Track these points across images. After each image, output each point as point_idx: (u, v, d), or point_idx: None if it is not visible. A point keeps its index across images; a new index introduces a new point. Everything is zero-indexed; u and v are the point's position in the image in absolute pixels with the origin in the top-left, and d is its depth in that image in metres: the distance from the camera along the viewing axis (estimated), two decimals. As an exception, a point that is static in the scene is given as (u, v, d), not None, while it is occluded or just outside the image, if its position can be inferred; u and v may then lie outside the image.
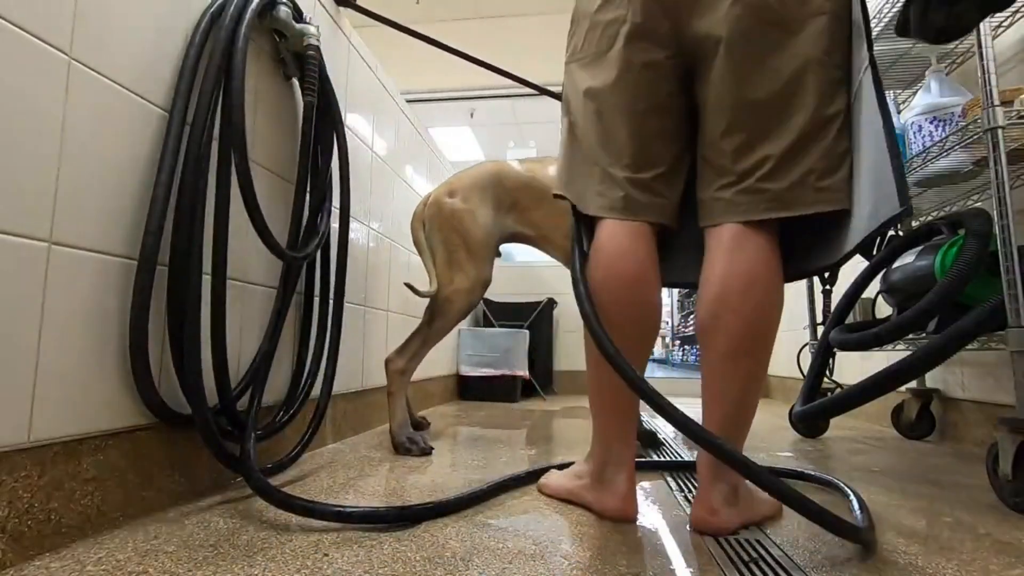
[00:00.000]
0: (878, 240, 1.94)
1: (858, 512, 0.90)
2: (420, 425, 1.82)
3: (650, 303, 0.92)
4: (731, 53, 0.85)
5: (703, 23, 0.87)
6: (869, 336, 1.53)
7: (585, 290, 0.88)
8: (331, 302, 1.35)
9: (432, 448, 1.42)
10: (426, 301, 1.57)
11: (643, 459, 1.30)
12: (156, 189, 0.84)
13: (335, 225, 1.39)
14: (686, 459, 1.34)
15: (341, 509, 0.84)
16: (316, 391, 1.30)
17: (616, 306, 0.89)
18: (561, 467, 1.10)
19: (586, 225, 0.99)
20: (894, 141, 0.74)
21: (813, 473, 1.18)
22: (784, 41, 0.83)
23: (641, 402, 0.87)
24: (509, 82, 1.97)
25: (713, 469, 0.84)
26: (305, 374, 1.27)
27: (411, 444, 1.40)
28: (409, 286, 1.54)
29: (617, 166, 0.94)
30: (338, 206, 1.39)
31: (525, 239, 1.70)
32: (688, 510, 0.95)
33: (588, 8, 0.98)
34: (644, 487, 1.11)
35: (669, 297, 11.27)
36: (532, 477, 1.12)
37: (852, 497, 0.98)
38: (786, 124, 0.83)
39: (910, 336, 1.57)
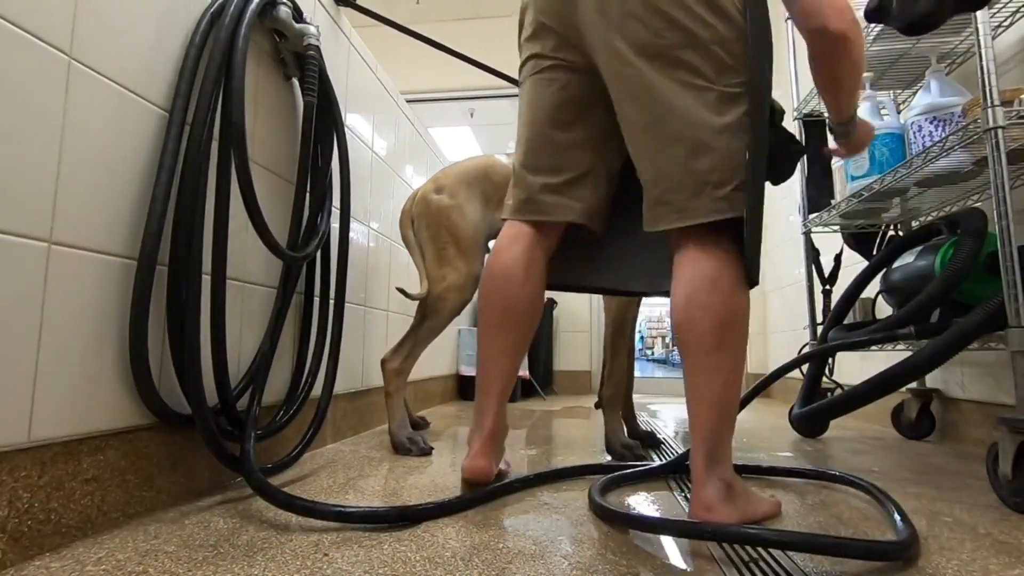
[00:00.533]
0: (878, 240, 1.95)
1: (898, 521, 0.84)
2: (419, 425, 1.82)
3: (517, 296, 1.01)
4: (615, 84, 0.93)
5: (595, 57, 0.96)
6: (867, 336, 1.53)
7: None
8: (332, 302, 1.35)
9: (432, 448, 1.42)
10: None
11: (643, 467, 1.29)
12: (156, 189, 0.84)
13: (335, 225, 1.39)
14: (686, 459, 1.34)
15: (342, 509, 0.84)
16: (316, 391, 1.30)
17: (484, 298, 1.04)
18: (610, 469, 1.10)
19: None
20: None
21: (855, 478, 1.12)
22: (663, 71, 0.89)
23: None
24: (509, 82, 1.97)
25: (707, 466, 0.85)
26: (305, 374, 1.27)
27: (411, 444, 1.40)
28: (401, 290, 1.53)
29: (532, 171, 1.05)
30: (338, 206, 1.39)
31: None
32: (688, 511, 0.95)
33: (520, 39, 1.11)
34: (645, 488, 1.11)
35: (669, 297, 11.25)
36: (540, 480, 1.12)
37: (888, 503, 0.94)
38: (676, 141, 0.88)
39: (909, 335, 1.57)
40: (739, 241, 0.87)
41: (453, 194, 1.55)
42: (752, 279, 0.88)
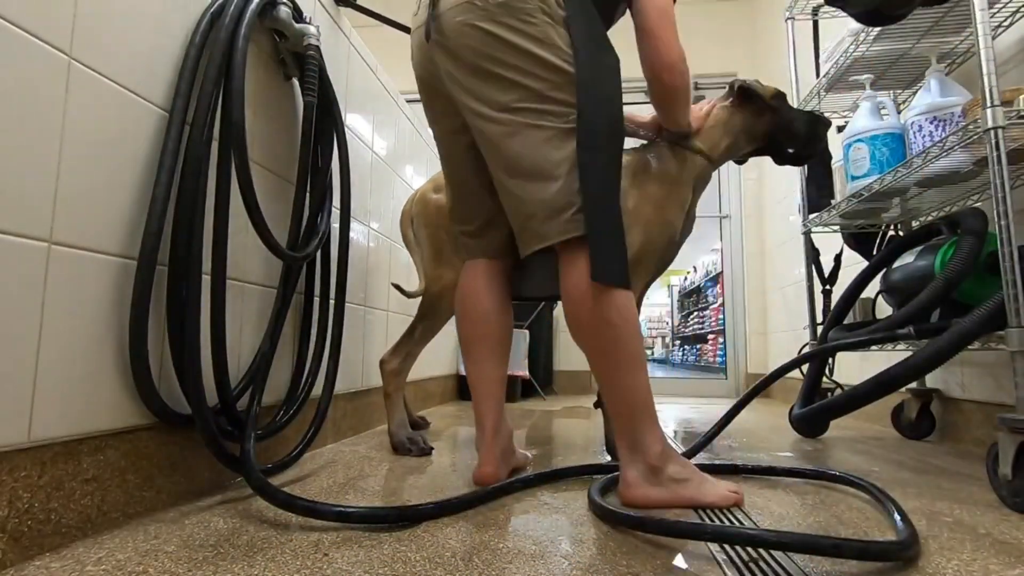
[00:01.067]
0: (878, 240, 1.95)
1: (898, 521, 0.85)
2: (419, 425, 1.81)
3: (479, 310, 1.18)
4: (478, 136, 1.08)
5: (463, 114, 1.09)
6: (867, 335, 1.53)
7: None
8: (332, 302, 1.35)
9: (432, 448, 1.42)
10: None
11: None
12: (156, 189, 0.84)
13: (335, 225, 1.39)
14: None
15: (342, 509, 0.84)
16: (316, 391, 1.30)
17: (457, 320, 1.23)
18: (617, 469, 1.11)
19: None
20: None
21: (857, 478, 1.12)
22: (512, 120, 1.02)
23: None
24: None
25: (629, 452, 0.99)
26: (305, 374, 1.27)
27: (411, 444, 1.39)
28: (397, 287, 1.53)
29: (456, 221, 1.24)
30: (338, 206, 1.39)
31: None
32: (689, 512, 0.95)
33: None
34: (644, 487, 1.11)
35: (669, 297, 11.27)
36: (540, 480, 1.12)
37: (887, 502, 0.94)
38: (528, 177, 1.02)
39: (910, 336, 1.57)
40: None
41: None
42: (605, 279, 0.98)
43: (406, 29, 1.77)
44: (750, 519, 0.91)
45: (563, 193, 0.99)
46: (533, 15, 1.00)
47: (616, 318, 0.99)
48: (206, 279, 0.93)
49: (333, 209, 1.37)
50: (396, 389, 1.47)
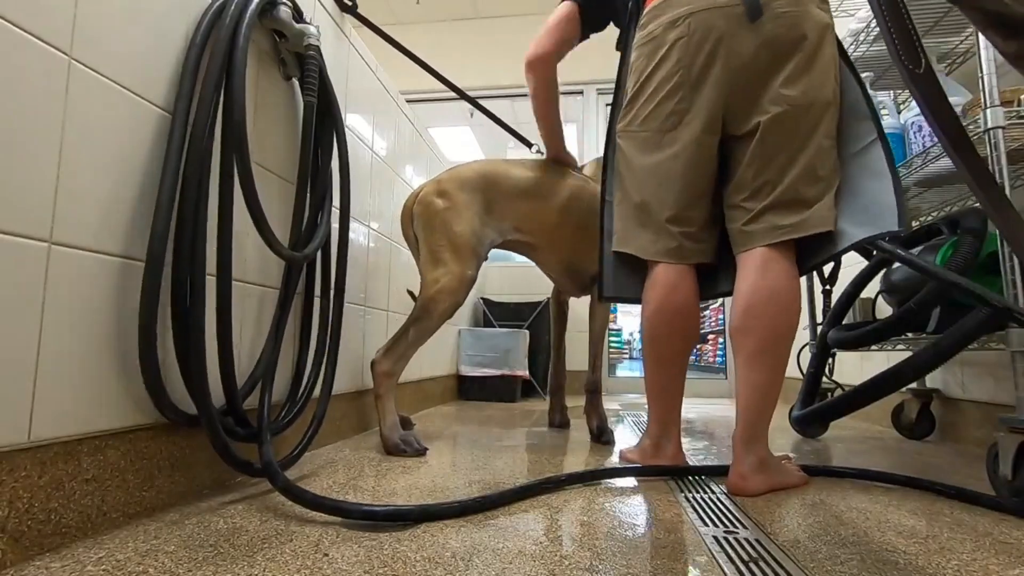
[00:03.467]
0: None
1: None
2: (406, 423, 1.78)
3: (692, 325, 1.23)
4: (764, 138, 1.12)
5: (750, 120, 1.14)
6: (867, 333, 1.53)
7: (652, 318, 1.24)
8: (332, 301, 1.35)
9: (427, 448, 1.42)
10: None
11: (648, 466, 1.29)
12: (161, 190, 0.84)
13: (335, 225, 1.39)
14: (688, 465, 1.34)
15: (371, 508, 0.85)
16: (316, 391, 1.30)
17: (667, 327, 1.23)
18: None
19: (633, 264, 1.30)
20: (900, 185, 1.05)
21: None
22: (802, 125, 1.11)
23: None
24: (509, 82, 1.97)
25: (745, 444, 1.08)
26: (307, 374, 1.27)
27: (405, 445, 1.39)
28: (411, 293, 1.53)
29: (674, 222, 1.21)
30: (338, 206, 1.39)
31: (514, 246, 1.69)
32: (689, 511, 0.95)
33: (647, 88, 1.22)
34: (646, 488, 1.11)
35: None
36: (572, 480, 1.12)
37: None
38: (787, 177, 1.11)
39: (909, 336, 1.57)
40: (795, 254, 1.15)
41: (453, 198, 1.54)
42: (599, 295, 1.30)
43: (406, 51, 1.84)
44: (748, 517, 0.91)
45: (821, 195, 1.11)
46: None
47: (795, 326, 1.11)
48: (210, 279, 0.92)
49: (333, 209, 1.37)
50: (388, 391, 1.44)
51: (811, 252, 1.14)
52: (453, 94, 2.02)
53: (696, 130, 1.16)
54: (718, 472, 1.21)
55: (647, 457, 1.26)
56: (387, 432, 1.41)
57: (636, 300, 1.30)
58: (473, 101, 2.08)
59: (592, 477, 1.14)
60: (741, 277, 1.14)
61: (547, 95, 1.50)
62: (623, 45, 1.38)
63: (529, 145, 1.99)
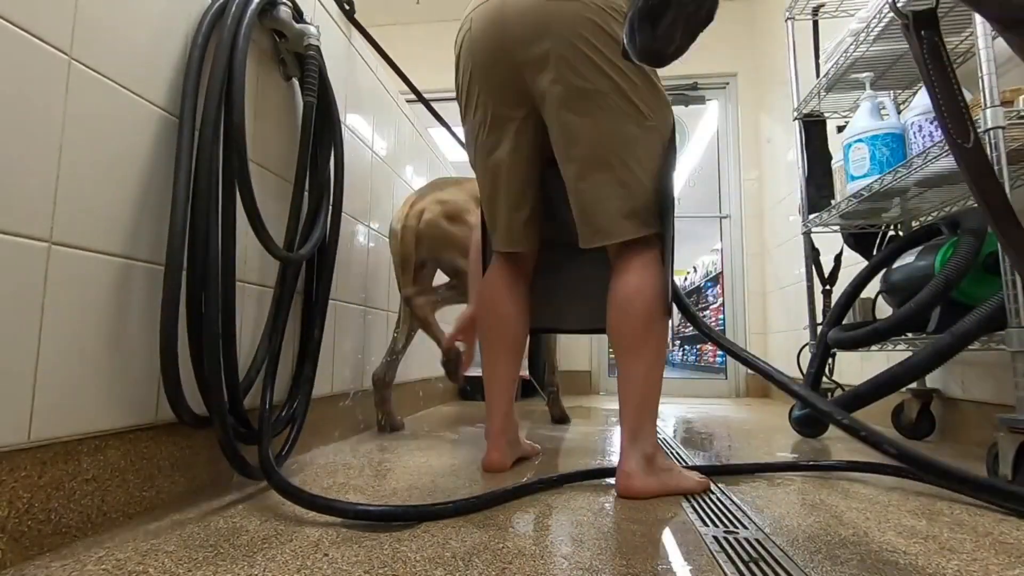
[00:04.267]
0: (878, 240, 1.95)
1: None
2: (396, 425, 1.78)
3: (507, 314, 1.24)
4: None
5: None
6: (868, 333, 1.53)
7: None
8: (311, 301, 1.34)
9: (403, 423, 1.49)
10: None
11: None
12: (176, 193, 0.85)
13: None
14: (688, 464, 1.34)
15: (366, 507, 0.85)
16: (318, 391, 1.30)
17: (481, 320, 1.28)
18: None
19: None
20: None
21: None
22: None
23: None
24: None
25: (628, 442, 1.04)
26: (305, 374, 1.27)
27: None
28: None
29: (512, 211, 1.20)
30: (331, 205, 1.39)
31: None
32: (689, 511, 0.95)
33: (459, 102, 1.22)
34: (644, 487, 1.11)
35: (669, 297, 11.24)
36: (564, 480, 1.12)
37: None
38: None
39: (910, 336, 1.57)
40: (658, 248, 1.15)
41: (465, 220, 1.58)
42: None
43: (400, 73, 1.85)
44: (748, 517, 0.91)
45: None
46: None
47: (660, 318, 1.09)
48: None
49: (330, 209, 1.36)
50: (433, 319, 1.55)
51: None
52: (453, 94, 2.03)
53: (491, 128, 1.18)
54: (718, 472, 1.20)
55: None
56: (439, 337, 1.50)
57: None
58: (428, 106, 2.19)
59: (592, 476, 1.14)
60: (614, 271, 1.17)
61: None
62: None
63: None
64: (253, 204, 0.97)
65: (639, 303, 1.05)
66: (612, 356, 1.71)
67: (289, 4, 1.17)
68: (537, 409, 2.52)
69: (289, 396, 1.24)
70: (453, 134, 2.34)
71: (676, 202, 1.17)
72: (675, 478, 1.05)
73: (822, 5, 2.04)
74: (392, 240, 1.65)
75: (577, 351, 3.72)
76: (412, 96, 2.21)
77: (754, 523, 0.89)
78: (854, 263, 2.05)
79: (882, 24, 1.59)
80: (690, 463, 1.31)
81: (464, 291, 1.58)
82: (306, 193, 1.22)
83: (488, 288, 1.25)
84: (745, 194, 3.71)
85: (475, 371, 2.81)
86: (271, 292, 1.20)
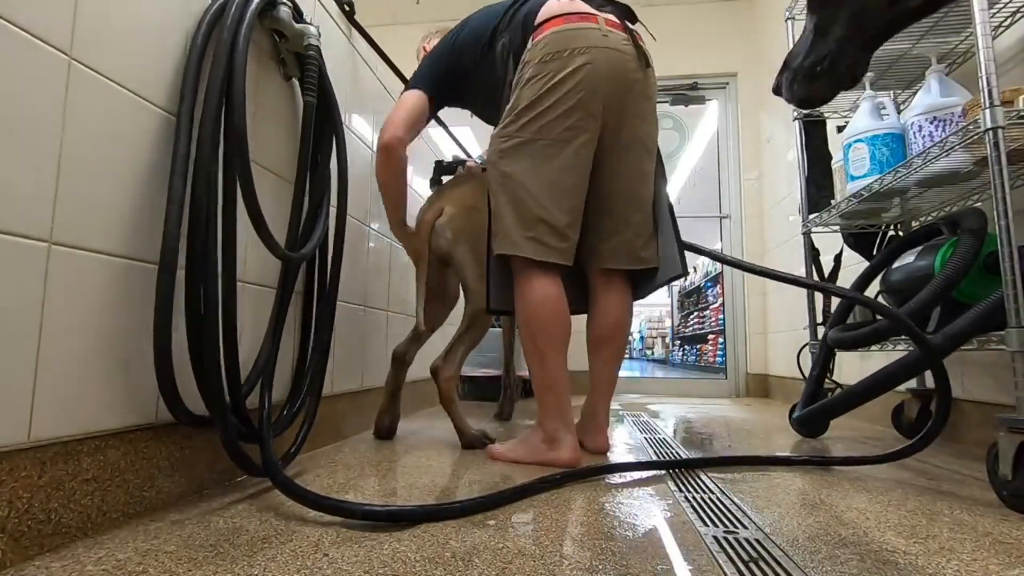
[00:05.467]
0: (878, 240, 1.95)
1: None
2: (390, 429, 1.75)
3: (568, 322, 1.38)
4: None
5: (614, 154, 1.37)
6: (868, 333, 1.53)
7: None
8: (316, 301, 1.34)
9: (495, 439, 1.52)
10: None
11: (643, 461, 1.30)
12: (171, 193, 0.84)
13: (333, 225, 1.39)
14: (685, 457, 1.34)
15: (371, 508, 0.85)
16: (324, 392, 1.30)
17: (550, 324, 1.35)
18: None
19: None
20: (677, 227, 1.45)
21: None
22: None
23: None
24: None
25: (604, 418, 1.45)
26: (306, 374, 1.27)
27: (484, 438, 1.50)
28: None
29: (568, 227, 1.32)
30: (333, 204, 1.39)
31: None
32: (689, 511, 0.95)
33: (548, 100, 1.29)
34: (646, 488, 1.11)
35: (669, 298, 11.28)
36: (567, 479, 1.12)
37: None
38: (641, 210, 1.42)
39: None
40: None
41: (483, 212, 1.57)
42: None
43: (399, 74, 1.88)
44: (748, 517, 0.91)
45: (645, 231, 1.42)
46: None
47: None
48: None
49: (331, 209, 1.36)
50: (455, 394, 1.56)
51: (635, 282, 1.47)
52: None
53: (588, 147, 1.31)
54: (713, 464, 1.21)
55: (541, 453, 1.28)
56: (466, 428, 1.51)
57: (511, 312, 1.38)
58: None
59: (592, 474, 1.14)
60: (609, 294, 1.41)
61: (402, 175, 1.51)
62: (501, 73, 1.43)
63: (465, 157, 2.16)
64: (255, 203, 0.97)
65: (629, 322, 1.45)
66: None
67: (289, 4, 1.17)
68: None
69: (295, 394, 1.24)
70: (451, 134, 2.35)
71: (673, 209, 1.49)
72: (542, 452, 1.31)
73: (822, 5, 2.04)
74: (412, 239, 1.64)
75: (577, 351, 3.71)
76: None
77: (754, 523, 0.89)
78: (854, 263, 2.05)
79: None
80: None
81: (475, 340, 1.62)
82: (307, 193, 1.22)
83: (555, 298, 1.31)
84: (745, 194, 3.71)
85: (474, 371, 2.81)
86: (273, 291, 1.20)
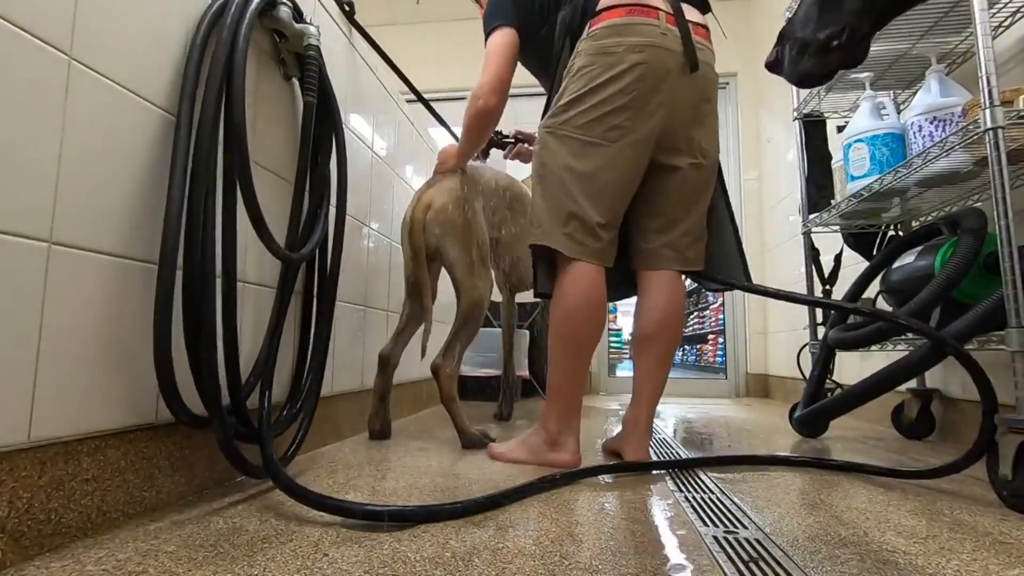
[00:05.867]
0: (878, 240, 1.95)
1: None
2: (384, 431, 1.74)
3: (599, 317, 1.31)
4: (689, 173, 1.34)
5: (674, 159, 1.32)
6: (869, 333, 1.53)
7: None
8: (316, 301, 1.34)
9: (495, 439, 1.53)
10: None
11: (644, 462, 1.30)
12: (171, 192, 0.84)
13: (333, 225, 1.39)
14: (685, 457, 1.34)
15: (373, 508, 0.85)
16: (323, 392, 1.30)
17: (590, 322, 1.29)
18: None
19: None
20: (740, 241, 1.44)
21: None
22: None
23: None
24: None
25: (648, 424, 1.33)
26: (305, 374, 1.27)
27: (484, 438, 1.51)
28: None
29: (603, 228, 1.28)
30: (333, 205, 1.39)
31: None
32: (689, 512, 0.95)
33: (597, 96, 1.25)
34: (646, 488, 1.11)
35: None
36: (567, 479, 1.12)
37: None
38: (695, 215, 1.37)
39: (909, 336, 1.57)
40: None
41: (475, 206, 1.63)
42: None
43: (400, 74, 1.89)
44: (748, 517, 0.91)
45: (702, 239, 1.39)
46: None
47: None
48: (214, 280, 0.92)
49: (331, 209, 1.36)
50: (455, 392, 1.56)
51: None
52: (453, 94, 2.05)
53: (635, 148, 1.26)
54: (719, 463, 1.21)
55: (542, 454, 1.28)
56: (466, 428, 1.51)
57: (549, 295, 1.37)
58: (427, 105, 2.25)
59: (592, 474, 1.14)
60: (653, 291, 1.35)
61: (498, 118, 1.50)
62: (557, 50, 1.39)
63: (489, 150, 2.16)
64: (255, 203, 0.97)
65: (679, 321, 1.36)
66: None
67: (289, 4, 1.17)
68: (537, 409, 2.53)
69: (295, 395, 1.24)
70: (452, 134, 2.34)
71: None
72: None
73: (822, 5, 2.04)
74: (403, 232, 1.64)
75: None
76: (412, 96, 2.21)
77: (754, 523, 0.89)
78: (854, 263, 2.05)
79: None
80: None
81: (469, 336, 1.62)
82: (307, 193, 1.22)
83: (595, 290, 1.27)
84: (745, 194, 3.71)
85: (474, 371, 2.81)
86: (273, 291, 1.20)
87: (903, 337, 1.59)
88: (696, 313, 8.47)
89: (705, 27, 1.33)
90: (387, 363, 1.64)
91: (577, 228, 1.26)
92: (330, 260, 1.35)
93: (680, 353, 9.89)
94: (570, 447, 1.26)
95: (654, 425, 2.03)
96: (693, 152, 1.31)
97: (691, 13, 1.31)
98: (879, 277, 1.72)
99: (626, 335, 8.40)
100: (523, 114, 4.13)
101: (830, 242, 2.10)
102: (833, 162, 2.00)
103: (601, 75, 1.24)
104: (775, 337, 3.38)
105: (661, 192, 1.34)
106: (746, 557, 0.74)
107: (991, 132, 1.14)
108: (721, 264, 1.41)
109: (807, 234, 2.06)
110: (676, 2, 1.29)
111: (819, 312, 2.02)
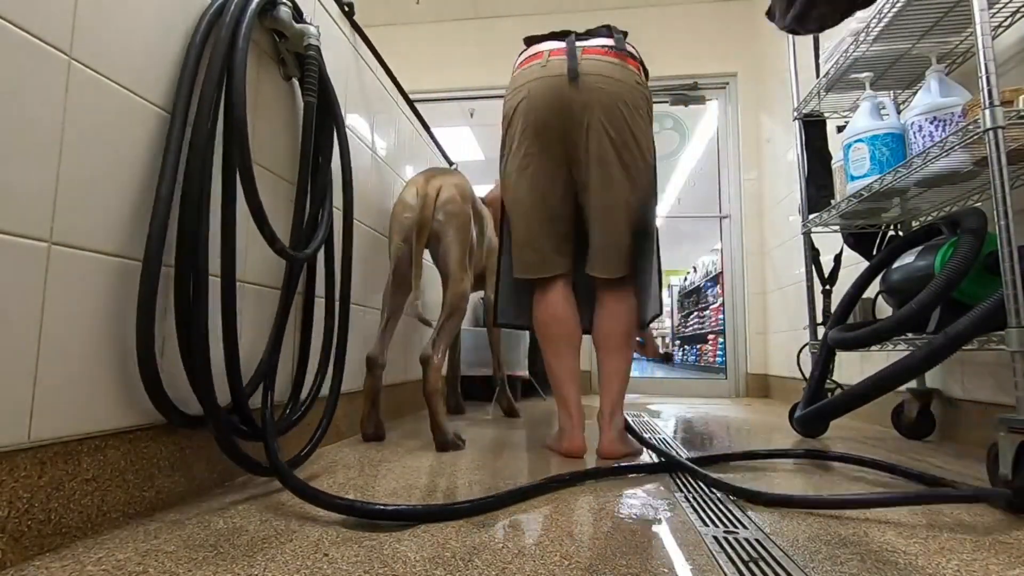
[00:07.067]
0: (878, 240, 1.95)
1: None
2: (378, 433, 1.74)
3: (574, 320, 1.52)
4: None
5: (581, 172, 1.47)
6: (869, 333, 1.53)
7: None
8: (337, 303, 1.35)
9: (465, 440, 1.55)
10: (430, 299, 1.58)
11: (641, 464, 1.30)
12: (159, 189, 0.84)
13: (338, 225, 1.39)
14: (683, 459, 1.34)
15: (382, 508, 0.86)
16: (323, 391, 1.30)
17: (557, 329, 1.51)
18: None
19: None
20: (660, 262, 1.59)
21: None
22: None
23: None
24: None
25: (608, 418, 1.41)
26: (312, 375, 1.27)
27: (458, 440, 1.50)
28: (424, 320, 1.53)
29: (545, 245, 1.48)
30: (339, 206, 1.39)
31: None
32: (689, 511, 0.95)
33: (507, 145, 1.50)
34: (646, 488, 1.11)
35: (669, 298, 11.27)
36: (576, 479, 1.12)
37: None
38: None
39: (910, 336, 1.57)
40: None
41: (470, 202, 1.69)
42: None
43: (394, 79, 1.92)
44: (748, 517, 0.91)
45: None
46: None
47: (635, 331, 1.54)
48: (215, 279, 0.92)
49: (334, 209, 1.36)
50: (440, 386, 1.57)
51: None
52: (453, 94, 2.05)
53: (543, 172, 1.43)
54: (737, 458, 1.20)
55: (555, 443, 1.44)
56: (443, 426, 1.49)
57: (523, 326, 1.61)
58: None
59: (591, 476, 1.14)
60: (600, 299, 1.50)
61: None
62: None
63: (450, 163, 2.22)
64: (257, 201, 0.97)
65: (630, 316, 1.49)
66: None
67: (289, 4, 1.17)
68: (537, 409, 2.53)
69: (295, 395, 1.24)
70: (438, 145, 2.38)
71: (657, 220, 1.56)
72: (629, 444, 1.43)
73: (822, 5, 2.04)
74: (403, 214, 1.63)
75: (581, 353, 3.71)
76: (412, 96, 2.21)
77: (754, 523, 0.89)
78: (854, 263, 2.05)
79: (882, 24, 1.59)
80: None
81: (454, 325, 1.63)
82: (309, 193, 1.22)
83: (553, 304, 1.48)
84: (745, 194, 3.71)
85: (474, 371, 2.81)
86: (276, 292, 1.20)
87: (903, 337, 1.59)
88: (696, 313, 8.47)
89: (610, 47, 1.41)
90: (375, 364, 1.62)
91: (527, 252, 1.49)
92: (341, 261, 1.36)
93: (680, 353, 9.90)
94: (568, 436, 1.39)
95: (655, 424, 2.03)
96: (603, 163, 1.39)
97: (597, 41, 1.43)
98: (879, 277, 1.72)
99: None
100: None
101: (830, 242, 2.10)
102: (833, 162, 2.00)
103: (506, 121, 1.48)
104: (775, 337, 3.38)
105: (587, 204, 1.46)
106: (746, 557, 0.74)
107: (991, 132, 1.14)
108: (650, 300, 1.53)
109: (807, 234, 2.06)
110: (571, 41, 1.41)
111: (819, 311, 2.02)
